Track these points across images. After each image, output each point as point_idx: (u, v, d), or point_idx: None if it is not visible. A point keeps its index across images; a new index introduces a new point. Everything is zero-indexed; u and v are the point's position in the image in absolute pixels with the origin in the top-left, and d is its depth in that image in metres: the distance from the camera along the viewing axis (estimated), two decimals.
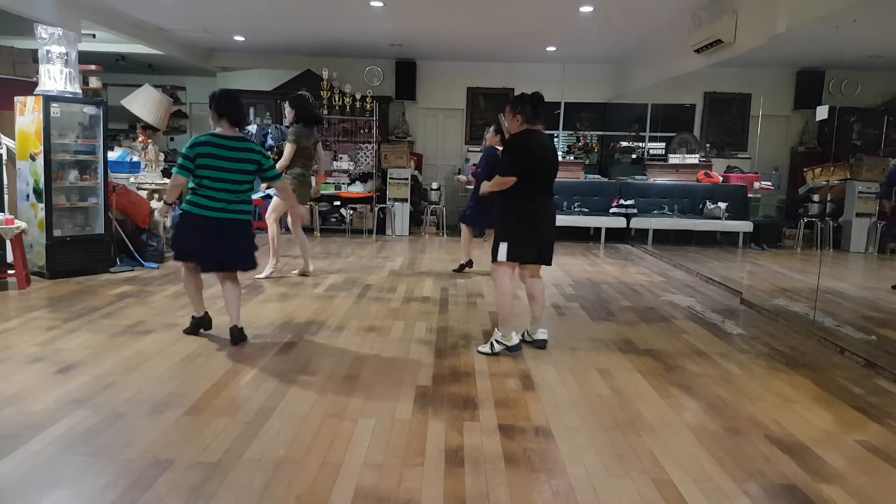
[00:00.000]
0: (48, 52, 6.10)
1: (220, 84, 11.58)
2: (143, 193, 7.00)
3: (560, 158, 10.06)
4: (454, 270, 6.71)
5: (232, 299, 4.03)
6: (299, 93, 6.47)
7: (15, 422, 2.77)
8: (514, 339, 3.99)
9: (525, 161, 3.84)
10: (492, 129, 6.42)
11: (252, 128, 10.08)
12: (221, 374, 3.45)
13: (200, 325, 4.15)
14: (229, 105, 3.84)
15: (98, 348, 3.82)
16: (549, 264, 4.14)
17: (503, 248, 3.92)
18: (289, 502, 2.21)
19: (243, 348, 3.91)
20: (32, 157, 5.66)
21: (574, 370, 3.69)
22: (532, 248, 3.98)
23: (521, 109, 3.92)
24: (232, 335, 3.97)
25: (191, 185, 3.85)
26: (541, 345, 4.11)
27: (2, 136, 5.75)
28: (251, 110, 11.04)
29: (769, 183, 9.26)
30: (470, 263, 6.76)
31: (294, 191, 5.53)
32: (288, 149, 5.85)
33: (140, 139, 7.46)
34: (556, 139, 11.28)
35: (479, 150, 10.96)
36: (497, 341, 3.96)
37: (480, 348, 4.01)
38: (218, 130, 3.83)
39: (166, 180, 7.43)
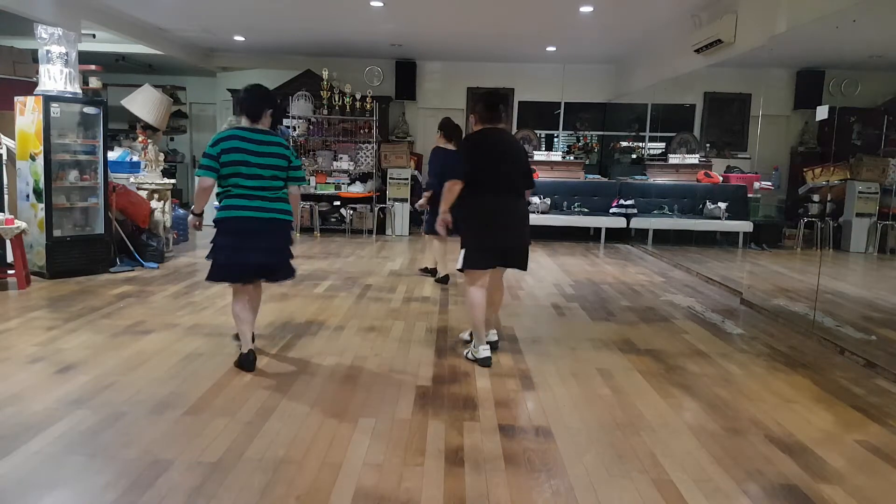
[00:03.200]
0: (48, 52, 6.10)
1: (220, 84, 11.59)
2: (143, 193, 7.00)
3: (560, 158, 10.16)
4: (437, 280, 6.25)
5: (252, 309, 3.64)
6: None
7: (15, 422, 2.77)
8: (483, 352, 3.73)
9: (474, 162, 3.68)
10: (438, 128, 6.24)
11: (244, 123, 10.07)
12: (221, 374, 3.45)
13: (243, 362, 3.54)
14: (248, 100, 3.53)
15: (98, 348, 3.82)
16: (524, 269, 3.87)
17: (461, 255, 3.71)
18: (289, 502, 2.21)
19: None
20: (32, 157, 5.66)
21: (574, 370, 3.69)
22: (491, 253, 3.71)
23: (474, 108, 3.88)
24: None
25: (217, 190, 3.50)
26: (493, 346, 3.90)
27: (2, 136, 5.75)
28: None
29: (769, 183, 9.26)
30: (434, 272, 6.33)
31: None
32: None
33: (140, 139, 7.45)
34: (556, 139, 11.29)
35: None
36: (469, 352, 3.83)
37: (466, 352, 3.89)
38: (243, 124, 3.52)
39: (166, 180, 7.43)
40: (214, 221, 3.50)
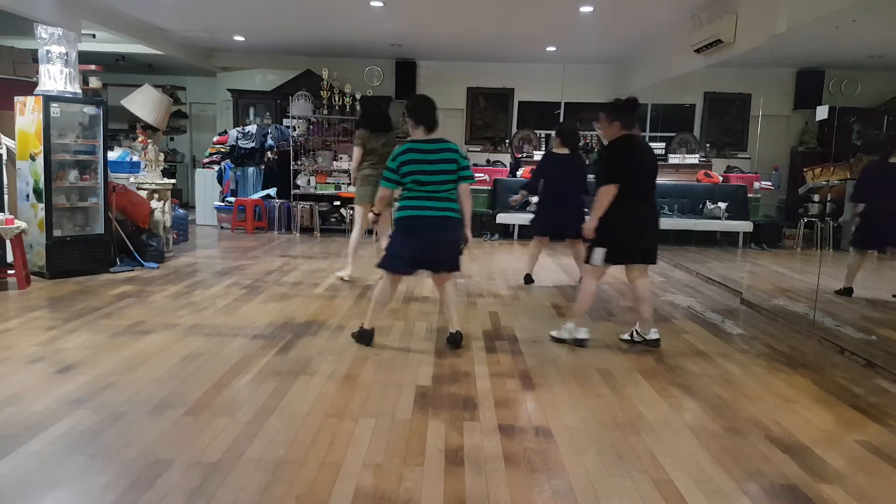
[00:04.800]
0: (48, 52, 6.10)
1: (220, 84, 11.59)
2: (143, 193, 7.00)
3: None
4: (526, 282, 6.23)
5: (451, 302, 4.09)
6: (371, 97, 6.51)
7: (15, 422, 2.77)
8: (582, 333, 4.15)
9: (628, 166, 3.95)
10: (553, 134, 6.26)
11: (252, 128, 10.10)
12: (221, 374, 3.45)
13: (364, 336, 4.07)
14: (424, 113, 3.88)
15: (98, 348, 3.82)
16: (654, 263, 4.22)
17: (599, 252, 4.00)
18: (289, 502, 2.21)
19: (244, 348, 3.91)
20: (32, 157, 5.66)
21: (574, 370, 3.69)
22: (628, 251, 4.06)
23: (618, 115, 4.01)
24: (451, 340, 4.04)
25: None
26: (654, 344, 4.14)
27: (2, 136, 5.75)
28: (251, 110, 11.06)
29: (769, 183, 9.26)
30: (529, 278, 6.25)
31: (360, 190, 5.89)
32: (355, 152, 5.96)
33: (140, 139, 7.45)
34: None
35: (479, 150, 11.03)
36: (568, 331, 4.16)
37: (553, 332, 4.24)
38: (418, 137, 3.87)
39: (166, 180, 7.44)
40: (395, 220, 3.97)
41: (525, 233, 9.41)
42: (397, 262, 3.94)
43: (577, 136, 6.20)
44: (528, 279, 6.21)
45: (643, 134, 10.39)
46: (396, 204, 3.96)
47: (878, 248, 5.67)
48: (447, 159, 3.84)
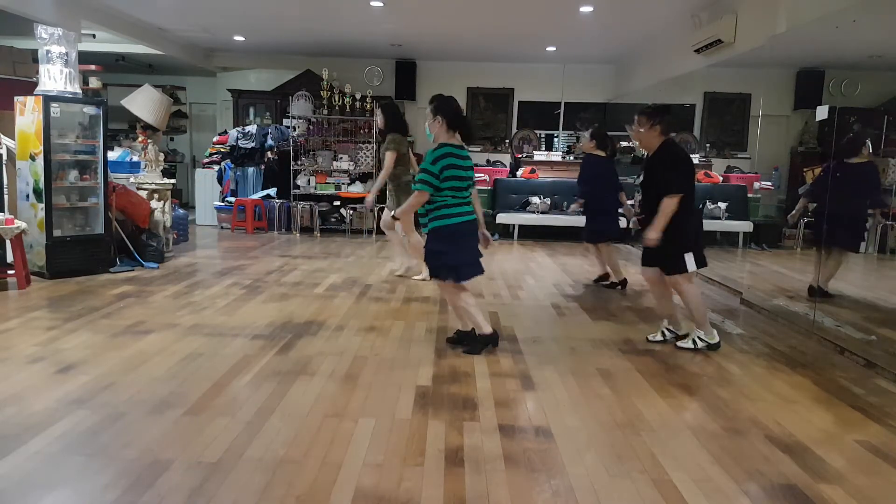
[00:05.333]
0: (48, 52, 6.10)
1: (220, 84, 11.59)
2: (143, 193, 7.00)
3: (560, 158, 10.16)
4: (608, 285, 6.18)
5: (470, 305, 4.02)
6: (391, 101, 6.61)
7: (15, 422, 2.77)
8: (716, 336, 4.16)
9: (694, 174, 4.06)
10: (588, 134, 6.21)
11: (252, 128, 10.10)
12: (221, 374, 3.45)
13: (489, 341, 3.98)
14: (463, 121, 4.04)
15: (98, 348, 3.82)
16: (706, 264, 4.23)
17: (690, 258, 4.03)
18: (289, 502, 2.21)
19: (244, 349, 3.91)
20: (32, 157, 5.66)
21: (574, 370, 3.69)
22: (701, 253, 4.12)
23: (659, 119, 4.00)
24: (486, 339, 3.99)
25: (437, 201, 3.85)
26: (714, 348, 4.16)
27: (2, 136, 5.75)
28: (251, 110, 11.05)
29: (769, 183, 9.25)
30: (606, 277, 6.21)
31: (399, 197, 5.97)
32: (388, 157, 6.07)
33: (140, 139, 7.45)
34: (556, 139, 11.29)
35: (479, 150, 11.03)
36: (699, 338, 4.15)
37: (680, 343, 4.20)
38: (453, 142, 3.94)
39: (166, 180, 7.44)
40: (439, 228, 3.87)
41: (524, 233, 9.43)
42: (471, 268, 3.91)
43: (612, 140, 6.24)
44: (624, 283, 6.12)
45: None
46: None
47: (828, 246, 5.66)
48: (471, 166, 4.00)
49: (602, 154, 6.09)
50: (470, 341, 4.00)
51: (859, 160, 5.55)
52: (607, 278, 6.21)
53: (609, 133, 6.35)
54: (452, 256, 3.85)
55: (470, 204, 3.93)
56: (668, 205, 3.90)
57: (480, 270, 3.95)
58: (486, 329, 3.96)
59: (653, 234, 3.95)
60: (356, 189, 9.67)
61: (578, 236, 9.65)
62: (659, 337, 4.32)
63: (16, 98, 5.78)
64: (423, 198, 3.83)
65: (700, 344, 4.14)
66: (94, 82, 8.19)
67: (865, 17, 4.68)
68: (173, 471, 2.39)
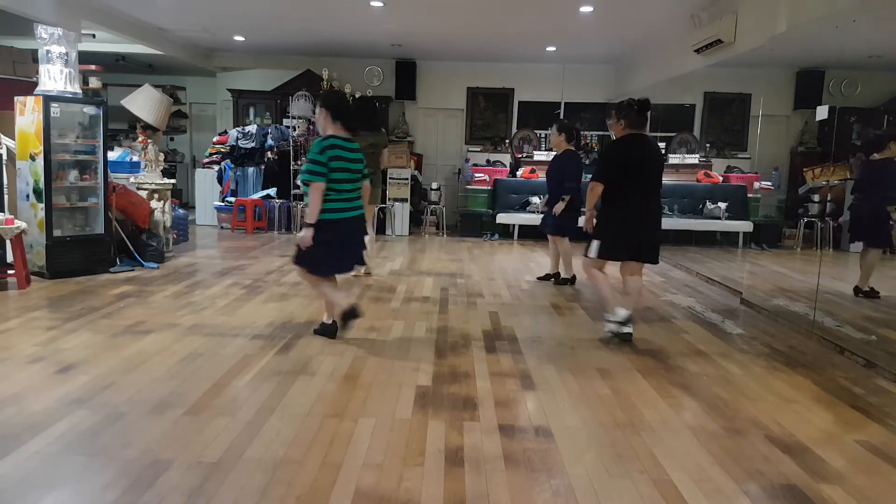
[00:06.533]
0: (48, 52, 6.10)
1: (220, 84, 11.59)
2: (143, 193, 7.00)
3: None
4: (545, 277, 6.31)
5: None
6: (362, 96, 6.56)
7: (15, 422, 2.77)
8: (620, 312, 4.22)
9: (619, 165, 4.12)
10: (555, 129, 6.13)
11: (252, 128, 10.10)
12: (221, 374, 3.45)
13: (348, 316, 3.99)
14: (345, 112, 3.95)
15: (98, 348, 3.82)
16: (655, 262, 4.29)
17: (594, 245, 4.24)
18: (289, 502, 2.21)
19: (244, 349, 3.91)
20: (32, 157, 5.66)
21: (574, 370, 3.69)
22: (624, 247, 4.21)
23: (625, 113, 4.17)
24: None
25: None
26: (625, 338, 4.24)
27: (2, 136, 5.75)
28: (251, 110, 11.05)
29: (769, 183, 9.26)
30: (557, 276, 6.27)
31: None
32: None
33: (140, 139, 7.45)
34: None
35: (479, 150, 11.03)
36: (608, 321, 4.30)
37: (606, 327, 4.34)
38: (337, 133, 3.90)
39: (166, 180, 7.44)
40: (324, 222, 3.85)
41: (524, 233, 9.42)
42: (333, 265, 3.98)
43: (578, 132, 6.21)
44: (570, 281, 6.17)
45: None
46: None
47: (864, 242, 5.69)
48: (359, 158, 3.95)
49: (573, 148, 6.03)
50: (327, 331, 4.12)
51: (885, 156, 5.55)
52: (555, 276, 6.26)
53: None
54: (318, 249, 3.82)
55: (355, 200, 3.93)
56: (589, 188, 4.22)
57: (344, 269, 4.04)
58: (344, 305, 3.97)
59: (585, 219, 4.37)
60: None
61: (578, 237, 9.66)
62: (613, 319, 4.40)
63: (16, 98, 5.77)
64: (320, 189, 3.75)
65: (610, 325, 4.29)
66: (94, 82, 8.19)
67: (865, 17, 4.67)
68: (173, 471, 2.39)
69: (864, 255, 5.65)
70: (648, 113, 4.24)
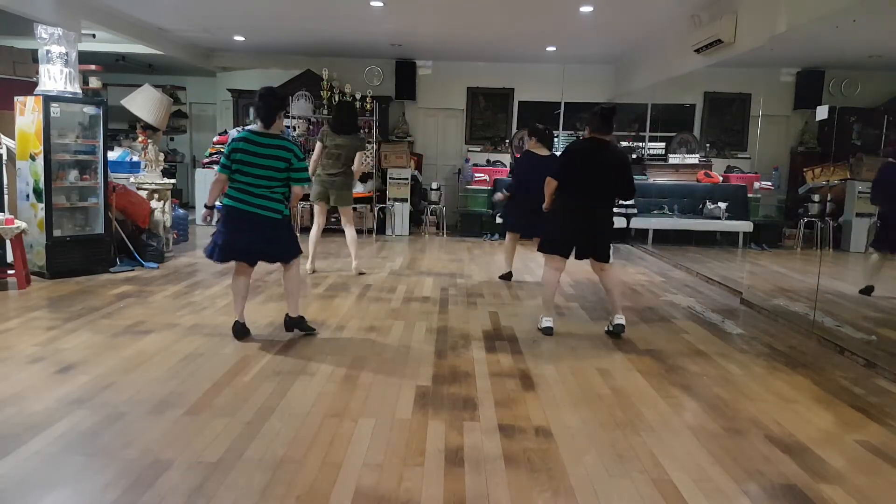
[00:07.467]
0: (48, 52, 6.10)
1: (220, 84, 11.59)
2: (143, 193, 7.00)
3: None
4: (500, 277, 6.44)
5: (292, 291, 4.24)
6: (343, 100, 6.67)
7: (15, 422, 2.77)
8: (544, 322, 4.42)
9: (571, 167, 4.29)
10: (526, 135, 6.37)
11: (253, 127, 10.08)
12: (221, 374, 3.45)
13: (233, 330, 4.16)
14: (262, 105, 3.96)
15: (98, 348, 3.82)
16: (605, 261, 4.41)
17: (542, 239, 4.52)
18: (289, 502, 2.21)
19: (244, 348, 3.91)
20: (32, 157, 5.66)
21: (574, 370, 3.69)
22: (564, 245, 4.37)
23: (589, 119, 4.34)
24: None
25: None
26: (618, 329, 4.36)
27: (2, 136, 5.75)
28: (251, 110, 11.03)
29: (769, 183, 9.25)
30: (509, 275, 6.42)
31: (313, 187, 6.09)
32: (316, 149, 6.19)
33: (140, 139, 7.45)
34: (555, 139, 11.27)
35: (479, 149, 11.03)
36: (539, 326, 4.47)
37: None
38: (257, 129, 3.97)
39: (166, 180, 7.44)
40: (221, 205, 4.05)
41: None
42: (228, 253, 3.98)
43: (552, 137, 6.24)
44: (509, 276, 6.39)
45: (639, 136, 10.40)
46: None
47: (891, 250, 5.66)
48: (270, 155, 3.90)
49: (545, 152, 6.03)
50: (296, 325, 4.23)
51: None
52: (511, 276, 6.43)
53: (615, 134, 6.38)
54: (219, 235, 3.97)
55: (257, 196, 3.88)
56: (546, 181, 4.40)
57: (229, 259, 4.01)
58: (240, 318, 4.13)
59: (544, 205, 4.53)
60: (356, 189, 9.64)
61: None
62: (608, 328, 4.54)
63: (16, 98, 5.78)
64: (220, 181, 3.93)
65: (540, 325, 4.45)
66: (94, 82, 8.19)
67: (865, 17, 4.67)
68: (173, 471, 2.39)
69: (879, 259, 5.65)
70: (613, 119, 4.28)
